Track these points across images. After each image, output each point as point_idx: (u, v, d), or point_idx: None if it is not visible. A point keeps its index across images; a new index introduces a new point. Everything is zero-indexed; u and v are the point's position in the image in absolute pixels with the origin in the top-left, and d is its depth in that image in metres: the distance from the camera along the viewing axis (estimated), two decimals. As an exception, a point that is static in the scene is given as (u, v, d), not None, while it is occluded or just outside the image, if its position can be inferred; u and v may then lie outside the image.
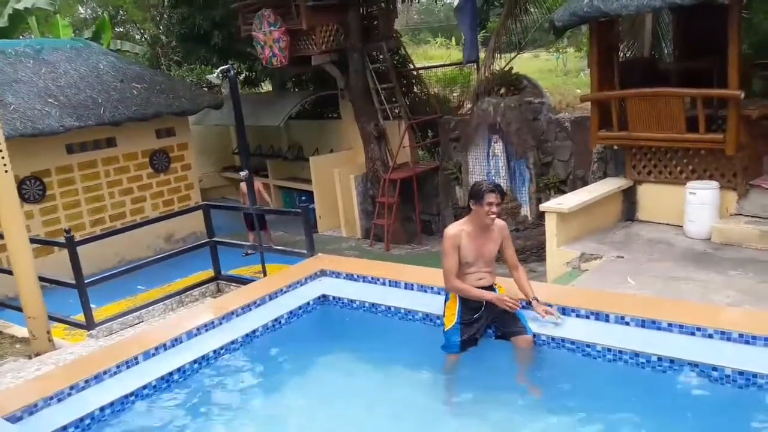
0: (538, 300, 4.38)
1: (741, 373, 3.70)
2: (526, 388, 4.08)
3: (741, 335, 3.95)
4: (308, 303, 5.24)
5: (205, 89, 14.62)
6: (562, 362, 4.16)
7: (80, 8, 23.58)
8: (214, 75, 7.50)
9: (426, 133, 12.95)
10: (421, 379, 4.33)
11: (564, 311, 4.52)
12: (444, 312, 4.41)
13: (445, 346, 4.33)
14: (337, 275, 5.61)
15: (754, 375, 3.66)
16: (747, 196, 7.04)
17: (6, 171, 5.44)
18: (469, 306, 4.31)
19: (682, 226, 7.20)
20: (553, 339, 4.30)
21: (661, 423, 3.61)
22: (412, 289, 5.16)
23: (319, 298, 5.34)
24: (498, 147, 10.48)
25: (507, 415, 3.82)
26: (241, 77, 16.81)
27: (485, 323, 4.36)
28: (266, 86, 18.89)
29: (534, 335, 4.30)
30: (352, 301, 5.21)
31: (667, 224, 7.51)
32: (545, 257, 7.55)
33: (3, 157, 5.40)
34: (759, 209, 6.96)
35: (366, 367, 4.53)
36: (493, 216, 4.21)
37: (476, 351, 4.32)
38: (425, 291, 5.11)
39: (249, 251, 8.90)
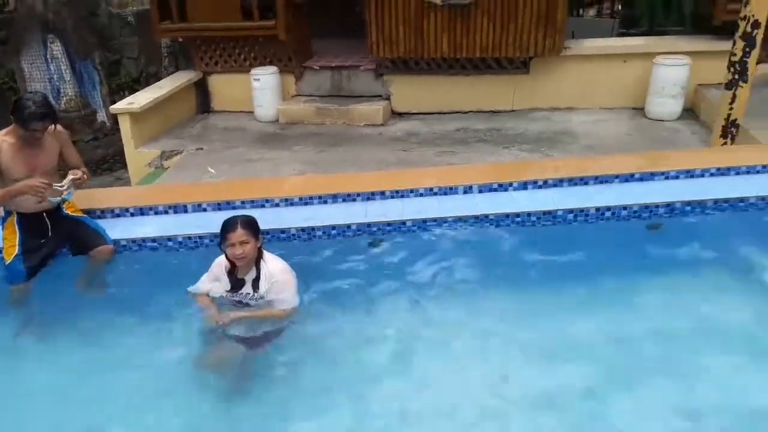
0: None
1: (303, 229, 4.28)
2: (102, 297, 3.94)
3: (301, 198, 4.56)
4: None
5: None
6: (146, 261, 4.14)
7: None
8: None
9: (-41, 37, 10.55)
10: (6, 323, 3.78)
11: (142, 211, 4.49)
12: (1, 241, 3.88)
13: (9, 278, 3.85)
14: None
15: (313, 228, 4.28)
16: (302, 77, 7.88)
17: None
18: (33, 231, 3.87)
19: (253, 112, 7.71)
20: (134, 241, 4.24)
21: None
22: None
23: None
24: (56, 48, 9.28)
25: (87, 332, 3.67)
26: None
27: (56, 245, 4.01)
28: None
29: (114, 243, 4.16)
30: None
31: (240, 111, 7.96)
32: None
33: None
34: (313, 89, 7.90)
35: None
36: (40, 140, 3.71)
37: (49, 274, 3.96)
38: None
39: None
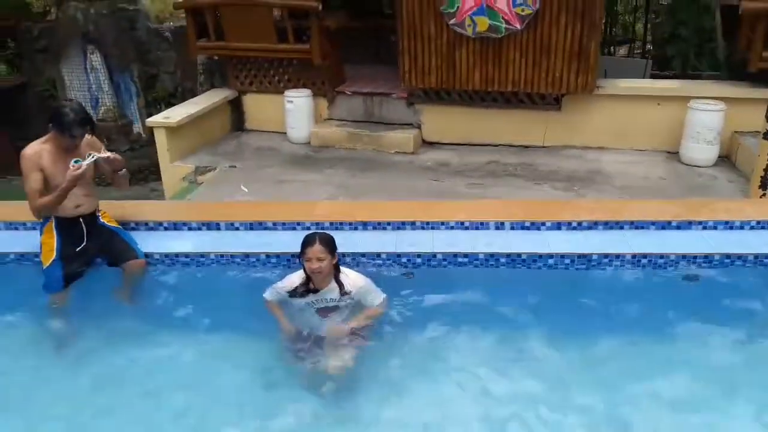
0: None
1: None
2: (135, 310, 4.00)
3: (332, 223, 4.55)
4: None
5: None
6: (177, 277, 4.17)
7: None
8: None
9: (4, 43, 10.82)
10: (46, 332, 3.89)
11: (176, 226, 4.54)
12: (40, 247, 3.94)
13: (47, 286, 3.90)
14: None
15: (343, 254, 4.21)
16: (335, 102, 7.95)
17: None
18: (70, 237, 3.92)
19: (285, 133, 7.78)
20: (167, 256, 4.27)
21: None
22: (-1, 228, 4.45)
23: None
24: (96, 59, 9.46)
25: (149, 349, 3.74)
26: None
27: (93, 253, 4.06)
28: None
29: (146, 256, 4.19)
30: None
31: (273, 132, 8.02)
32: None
33: None
34: (345, 113, 7.96)
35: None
36: (78, 147, 3.78)
37: (85, 284, 4.01)
38: (16, 228, 4.48)
39: None
